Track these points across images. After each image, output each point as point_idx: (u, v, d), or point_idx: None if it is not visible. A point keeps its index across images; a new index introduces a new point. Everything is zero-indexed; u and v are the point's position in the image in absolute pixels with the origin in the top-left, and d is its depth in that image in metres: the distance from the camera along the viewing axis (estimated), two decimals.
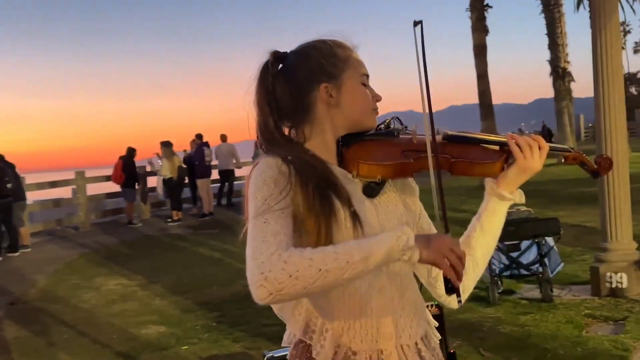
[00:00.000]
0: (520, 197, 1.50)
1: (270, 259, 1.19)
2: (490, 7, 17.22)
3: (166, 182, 13.83)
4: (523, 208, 5.98)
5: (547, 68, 23.11)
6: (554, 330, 4.81)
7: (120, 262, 9.54)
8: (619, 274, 5.43)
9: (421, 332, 1.46)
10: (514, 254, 5.73)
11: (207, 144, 14.57)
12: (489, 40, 17.02)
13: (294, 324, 1.41)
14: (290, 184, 1.31)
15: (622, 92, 5.53)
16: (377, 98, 1.48)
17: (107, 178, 14.53)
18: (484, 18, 16.90)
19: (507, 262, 5.74)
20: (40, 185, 13.69)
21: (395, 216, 1.44)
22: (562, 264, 6.06)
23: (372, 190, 1.44)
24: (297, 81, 1.44)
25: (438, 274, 1.52)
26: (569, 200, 12.32)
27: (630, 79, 56.20)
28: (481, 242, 1.52)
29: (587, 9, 28.32)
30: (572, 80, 23.17)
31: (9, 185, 10.63)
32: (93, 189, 14.93)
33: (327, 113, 1.44)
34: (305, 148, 1.43)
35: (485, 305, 5.61)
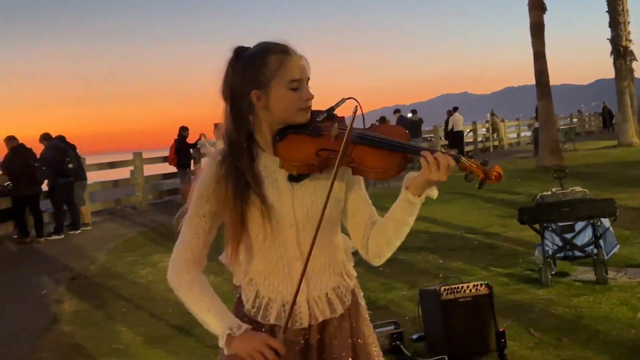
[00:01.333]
0: (431, 193, 1.71)
1: (178, 269, 1.78)
2: None
3: None
4: (578, 189, 5.85)
5: (608, 47, 22.32)
6: (607, 312, 4.71)
7: (175, 240, 9.76)
8: None
9: (333, 283, 1.82)
10: (568, 235, 5.61)
11: None
12: (547, 18, 16.55)
13: (236, 275, 1.88)
14: (218, 186, 1.71)
15: None
16: (308, 97, 1.73)
17: (164, 159, 14.87)
18: None
19: (560, 244, 5.63)
20: (100, 166, 14.13)
21: (310, 197, 1.75)
22: (617, 246, 5.91)
23: (294, 178, 1.75)
24: (240, 82, 1.73)
25: (357, 222, 1.83)
26: (628, 183, 11.96)
27: None
28: (393, 227, 1.76)
29: None
30: (634, 59, 22.31)
31: (70, 166, 11.01)
32: (150, 170, 15.33)
33: (261, 113, 1.73)
34: (247, 139, 1.75)
35: (537, 287, 5.54)
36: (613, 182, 12.13)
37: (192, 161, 14.39)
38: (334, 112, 1.78)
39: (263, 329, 1.77)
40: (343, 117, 1.78)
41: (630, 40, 22.21)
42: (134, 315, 5.86)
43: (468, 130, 25.21)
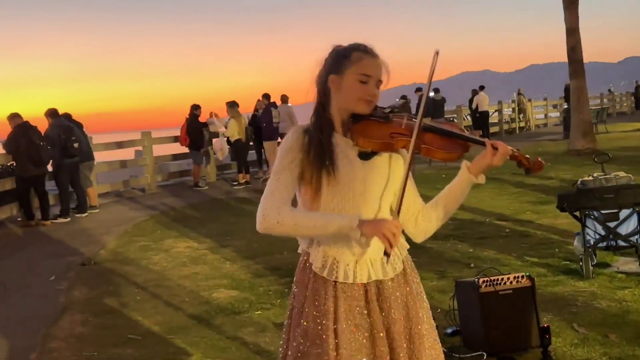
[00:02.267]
0: (482, 179, 2.15)
1: (272, 208, 1.97)
2: None
3: (232, 144, 14.00)
4: (622, 174, 5.73)
5: (639, 23, 21.92)
6: None
7: (188, 225, 9.78)
8: None
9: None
10: (612, 224, 5.51)
11: (274, 105, 14.60)
12: None
13: (302, 240, 2.17)
14: (302, 151, 2.04)
15: None
16: (370, 93, 2.08)
17: (174, 139, 14.85)
18: None
19: (603, 233, 5.53)
20: (108, 146, 14.13)
21: (380, 175, 2.10)
22: None
23: (365, 155, 2.10)
24: (327, 68, 2.14)
25: (407, 200, 2.13)
26: None
27: None
28: (447, 204, 2.18)
29: None
30: None
31: (76, 145, 10.95)
32: (159, 150, 15.32)
33: (333, 95, 2.11)
34: (323, 115, 2.12)
35: (577, 279, 5.45)
36: None
37: (204, 141, 14.32)
38: (396, 109, 2.17)
39: (326, 284, 2.08)
40: (404, 113, 2.18)
41: None
42: (149, 303, 5.84)
43: (493, 111, 24.98)
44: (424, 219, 2.19)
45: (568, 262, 6.03)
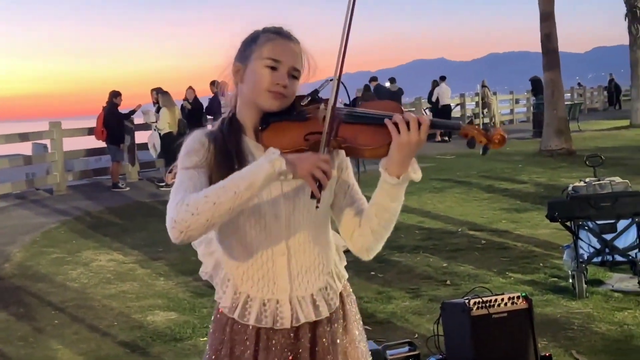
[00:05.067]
0: (414, 175, 1.87)
1: (176, 206, 1.74)
2: None
3: (162, 138, 13.73)
4: (618, 179, 5.84)
5: (610, 9, 22.71)
6: None
7: (109, 234, 9.51)
8: None
9: (320, 283, 1.99)
10: (608, 236, 5.60)
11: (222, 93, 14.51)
12: None
13: (208, 270, 2.07)
14: (208, 152, 1.90)
15: None
16: (279, 82, 1.91)
17: (89, 131, 14.47)
18: None
19: (598, 246, 5.61)
20: (8, 138, 13.64)
21: (302, 190, 1.93)
22: None
23: None
24: (236, 58, 2.01)
25: (346, 211, 2.03)
26: None
27: None
28: (377, 213, 1.96)
29: None
30: None
31: None
32: (70, 144, 14.91)
33: (239, 90, 1.99)
34: (230, 119, 2.01)
35: (569, 298, 5.52)
36: (633, 170, 12.27)
37: (125, 136, 14.00)
38: (319, 95, 1.96)
39: (246, 331, 1.96)
40: (326, 100, 1.92)
41: None
42: (70, 328, 5.62)
43: (455, 104, 25.36)
44: (359, 234, 1.99)
45: (556, 279, 6.11)
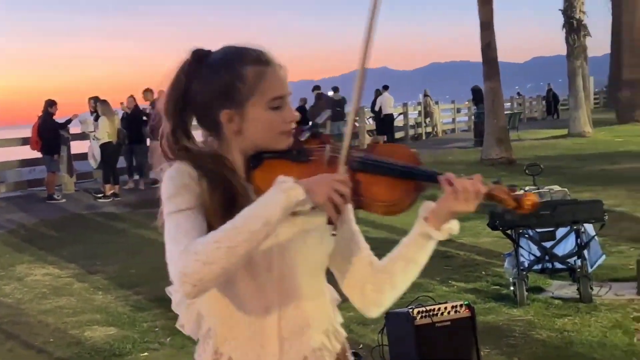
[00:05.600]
0: (446, 234, 1.71)
1: (182, 256, 1.50)
2: None
3: (102, 148, 13.53)
4: (557, 188, 6.01)
5: (548, 20, 23.35)
6: (599, 337, 4.85)
7: (45, 247, 9.34)
8: None
9: (315, 343, 1.76)
10: (548, 244, 5.74)
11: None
12: None
13: (186, 323, 1.82)
14: (201, 188, 1.63)
15: None
16: (291, 119, 1.71)
17: (23, 141, 14.18)
18: None
19: (538, 254, 5.75)
20: None
21: (301, 239, 1.72)
22: (603, 256, 6.13)
23: None
24: (204, 97, 1.70)
25: (350, 263, 1.82)
26: (589, 180, 12.49)
27: None
28: (403, 269, 1.77)
29: None
30: (588, 34, 23.39)
31: None
32: (3, 155, 14.60)
33: (232, 136, 1.70)
34: (217, 156, 1.71)
35: (511, 306, 5.64)
36: (571, 178, 12.61)
37: (61, 146, 13.78)
38: (318, 129, 1.84)
39: None
40: (330, 136, 1.82)
41: (583, 12, 23.25)
42: (4, 345, 5.53)
43: (398, 114, 25.64)
44: (373, 289, 1.79)
45: (498, 287, 6.23)
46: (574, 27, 22.68)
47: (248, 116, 1.67)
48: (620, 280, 6.13)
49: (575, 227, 5.70)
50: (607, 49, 34.58)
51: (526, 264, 5.77)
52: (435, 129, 28.07)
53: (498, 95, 16.75)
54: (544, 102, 39.38)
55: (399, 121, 25.85)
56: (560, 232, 5.76)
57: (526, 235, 5.77)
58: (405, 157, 1.73)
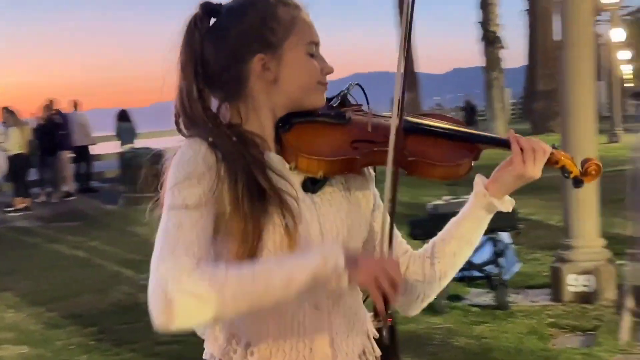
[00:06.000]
0: (509, 205, 1.58)
1: (177, 278, 1.24)
2: None
3: (12, 159, 13.14)
4: None
5: (468, 32, 23.97)
6: (516, 342, 5.00)
7: None
8: (584, 276, 5.71)
9: (358, 348, 1.56)
10: None
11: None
12: None
13: (213, 341, 1.50)
14: (218, 178, 1.37)
15: (590, 61, 5.77)
16: (327, 70, 1.52)
17: None
18: None
19: None
20: None
21: (339, 217, 1.50)
22: (519, 264, 6.31)
23: (312, 185, 1.49)
24: (227, 47, 1.47)
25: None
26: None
27: None
28: (456, 251, 1.63)
29: None
30: (503, 47, 24.13)
31: None
32: None
33: (263, 90, 1.47)
34: (234, 129, 1.46)
35: (430, 314, 5.73)
36: None
37: None
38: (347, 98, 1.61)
39: None
40: (360, 105, 1.61)
41: (499, 25, 23.98)
42: None
43: None
44: (420, 279, 1.60)
45: None
46: (490, 40, 23.36)
47: (286, 60, 1.46)
48: (535, 287, 6.33)
49: (491, 236, 5.86)
50: (523, 61, 35.68)
51: None
52: None
53: (416, 106, 17.12)
54: (463, 113, 40.33)
55: None
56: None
57: None
58: (454, 123, 1.60)
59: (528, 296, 6.08)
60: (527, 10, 31.77)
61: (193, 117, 1.46)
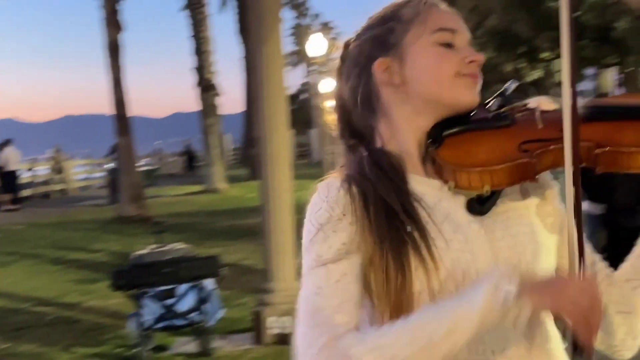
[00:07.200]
0: None
1: (323, 355, 1.10)
2: None
3: None
4: (179, 245, 6.32)
5: (189, 77, 24.46)
6: None
7: None
8: (283, 318, 6.09)
9: None
10: (170, 301, 5.99)
11: None
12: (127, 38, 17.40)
13: None
14: (356, 220, 1.20)
15: (285, 113, 6.27)
16: (472, 58, 1.30)
17: None
18: (118, 11, 17.22)
19: (161, 312, 5.98)
20: None
21: (518, 240, 1.27)
22: (222, 310, 6.55)
23: (480, 205, 1.28)
24: (351, 70, 1.36)
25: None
26: (221, 235, 13.20)
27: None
28: None
29: (234, 11, 30.47)
30: (219, 93, 24.90)
31: None
32: None
33: (394, 98, 1.32)
34: (372, 156, 1.29)
35: None
36: (205, 234, 13.25)
37: None
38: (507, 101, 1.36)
39: None
40: (526, 103, 1.37)
41: (214, 72, 24.73)
42: None
43: (27, 168, 24.58)
44: (622, 311, 1.33)
45: (123, 349, 6.33)
46: (205, 86, 23.99)
47: (409, 55, 1.30)
48: (239, 331, 6.61)
49: (195, 283, 6.04)
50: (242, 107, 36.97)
51: (149, 323, 5.95)
52: (68, 186, 27.41)
53: (131, 151, 17.01)
54: (182, 158, 40.63)
55: (27, 177, 24.79)
56: (182, 288, 6.06)
57: (149, 295, 5.97)
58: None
59: (232, 341, 6.34)
60: (244, 57, 33.09)
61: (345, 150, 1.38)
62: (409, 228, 1.19)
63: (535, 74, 28.26)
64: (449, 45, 1.30)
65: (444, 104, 1.30)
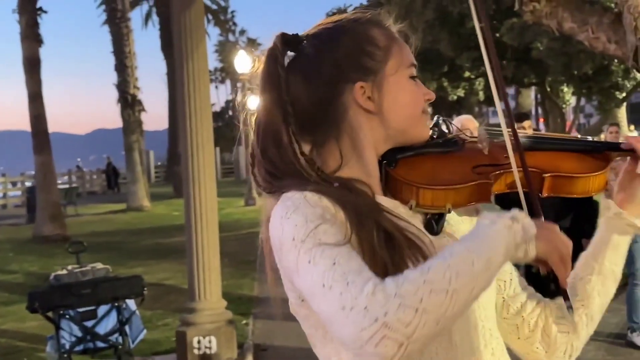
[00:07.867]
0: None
1: (375, 299, 1.04)
2: (45, 12, 17.41)
3: None
4: (100, 265, 6.19)
5: (110, 93, 24.15)
6: None
7: None
8: (207, 338, 6.03)
9: None
10: (89, 323, 5.85)
11: None
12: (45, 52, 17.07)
13: None
14: (346, 226, 1.19)
15: (210, 130, 6.24)
16: (429, 97, 1.38)
17: None
18: (37, 24, 16.93)
19: (80, 334, 5.83)
20: None
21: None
22: (144, 331, 6.43)
23: (436, 225, 1.33)
24: (320, 79, 1.33)
25: (515, 304, 1.44)
26: (144, 254, 13.04)
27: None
28: (600, 289, 1.43)
29: (157, 27, 30.27)
30: (143, 110, 24.62)
31: None
32: None
33: (364, 123, 1.33)
34: (334, 175, 1.29)
35: None
36: (127, 254, 13.05)
37: None
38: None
39: None
40: (460, 133, 1.45)
41: (138, 88, 24.45)
42: None
43: None
44: (562, 330, 1.43)
45: None
46: (128, 102, 23.69)
47: (388, 86, 1.33)
48: (162, 353, 6.53)
49: (116, 304, 5.92)
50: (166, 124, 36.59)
51: (67, 346, 5.79)
52: None
53: (50, 169, 16.68)
54: (104, 176, 39.95)
55: None
56: (102, 309, 5.93)
57: (67, 316, 5.82)
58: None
59: None
60: (167, 73, 32.81)
61: (283, 166, 1.29)
62: (404, 244, 1.21)
63: (459, 92, 28.98)
64: (414, 79, 1.36)
65: (408, 137, 1.35)
